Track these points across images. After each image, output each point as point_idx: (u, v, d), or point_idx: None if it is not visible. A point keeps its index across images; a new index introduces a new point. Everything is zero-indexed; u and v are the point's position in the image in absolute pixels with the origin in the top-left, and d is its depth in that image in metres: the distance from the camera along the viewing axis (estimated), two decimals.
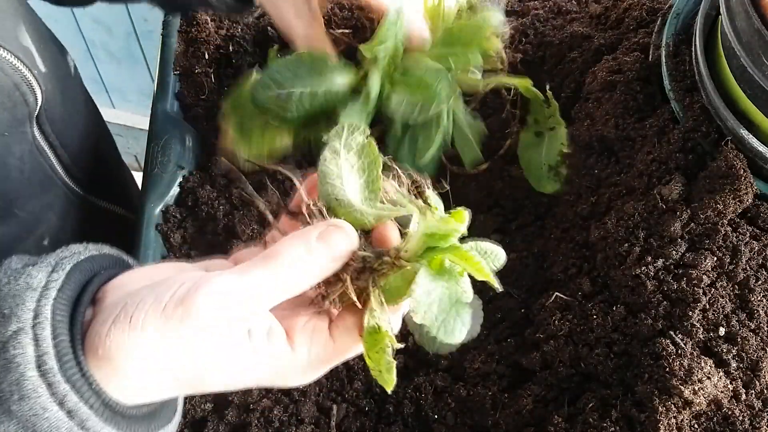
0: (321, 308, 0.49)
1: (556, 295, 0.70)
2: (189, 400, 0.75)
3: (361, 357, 0.74)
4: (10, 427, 0.41)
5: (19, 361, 0.40)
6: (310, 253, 0.46)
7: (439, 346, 0.66)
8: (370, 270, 0.47)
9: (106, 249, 0.51)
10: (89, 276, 0.47)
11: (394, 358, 0.46)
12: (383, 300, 0.47)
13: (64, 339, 0.42)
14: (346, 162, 0.48)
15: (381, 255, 0.47)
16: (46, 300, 0.42)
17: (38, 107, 0.73)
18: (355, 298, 0.47)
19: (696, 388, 0.61)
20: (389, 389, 0.47)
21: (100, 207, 0.93)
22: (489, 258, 0.49)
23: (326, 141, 0.48)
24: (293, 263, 0.45)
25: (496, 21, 0.74)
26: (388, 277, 0.47)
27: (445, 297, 0.45)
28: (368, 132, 0.49)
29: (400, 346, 0.47)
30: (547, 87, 0.78)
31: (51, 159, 0.79)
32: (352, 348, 0.50)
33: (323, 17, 0.81)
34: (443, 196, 0.49)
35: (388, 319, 0.46)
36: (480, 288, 0.77)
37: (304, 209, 0.49)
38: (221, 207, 0.84)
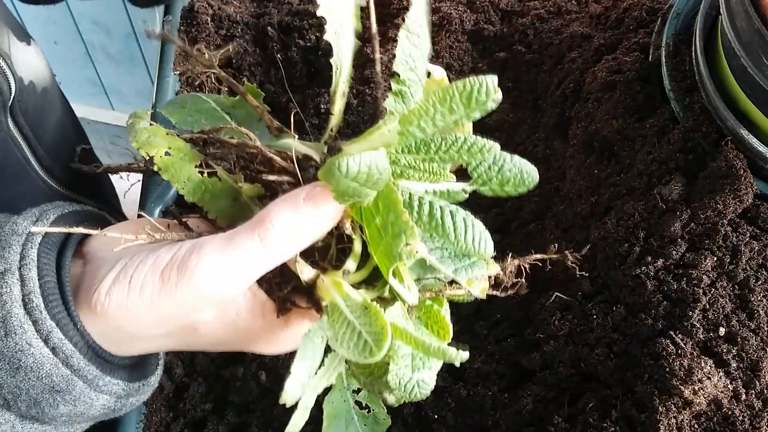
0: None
1: (556, 295, 0.70)
2: (189, 399, 0.74)
3: None
4: None
5: (6, 299, 0.41)
6: (299, 215, 0.42)
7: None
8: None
9: (89, 207, 0.52)
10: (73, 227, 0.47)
11: None
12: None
13: (51, 280, 0.43)
14: None
15: None
16: (31, 244, 0.43)
17: (12, 96, 0.72)
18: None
19: (696, 388, 0.61)
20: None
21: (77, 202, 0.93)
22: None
23: None
24: (282, 231, 0.42)
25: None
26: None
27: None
28: None
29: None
30: None
31: (25, 150, 0.79)
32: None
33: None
34: None
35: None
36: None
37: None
38: None
